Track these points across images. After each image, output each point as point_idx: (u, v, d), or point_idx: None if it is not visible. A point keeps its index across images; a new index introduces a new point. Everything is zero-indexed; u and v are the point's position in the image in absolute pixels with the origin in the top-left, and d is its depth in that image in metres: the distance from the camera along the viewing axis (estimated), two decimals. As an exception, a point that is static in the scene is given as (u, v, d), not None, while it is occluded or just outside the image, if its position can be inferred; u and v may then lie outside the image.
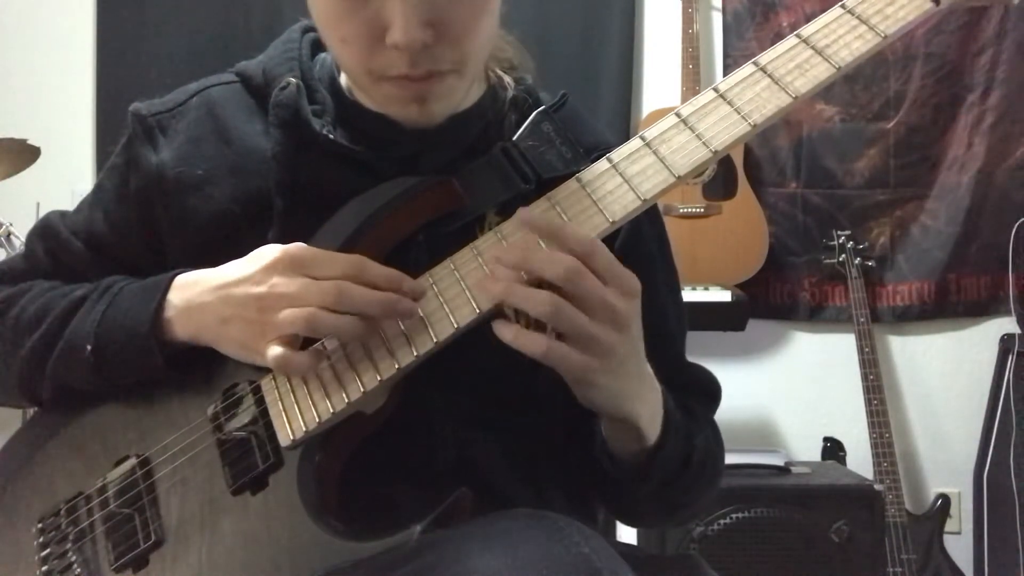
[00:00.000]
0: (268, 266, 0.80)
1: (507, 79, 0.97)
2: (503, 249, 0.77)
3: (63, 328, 0.88)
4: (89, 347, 0.85)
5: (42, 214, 1.03)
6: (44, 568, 0.83)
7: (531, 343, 0.73)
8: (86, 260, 0.96)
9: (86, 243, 0.97)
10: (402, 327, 0.78)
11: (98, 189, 0.99)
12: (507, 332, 0.74)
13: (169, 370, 0.85)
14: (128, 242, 0.96)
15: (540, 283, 0.74)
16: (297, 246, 0.80)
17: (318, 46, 0.98)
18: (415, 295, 0.78)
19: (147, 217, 0.94)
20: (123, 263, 0.95)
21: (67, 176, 2.78)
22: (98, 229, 0.97)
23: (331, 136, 0.90)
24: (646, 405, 0.82)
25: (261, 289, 0.79)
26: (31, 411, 1.01)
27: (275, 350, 0.77)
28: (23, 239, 2.16)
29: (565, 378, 0.77)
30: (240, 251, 0.83)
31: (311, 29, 0.98)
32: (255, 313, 0.79)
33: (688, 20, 2.74)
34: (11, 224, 2.26)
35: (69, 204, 1.05)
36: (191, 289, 0.84)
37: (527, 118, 0.92)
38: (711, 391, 1.01)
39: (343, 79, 0.95)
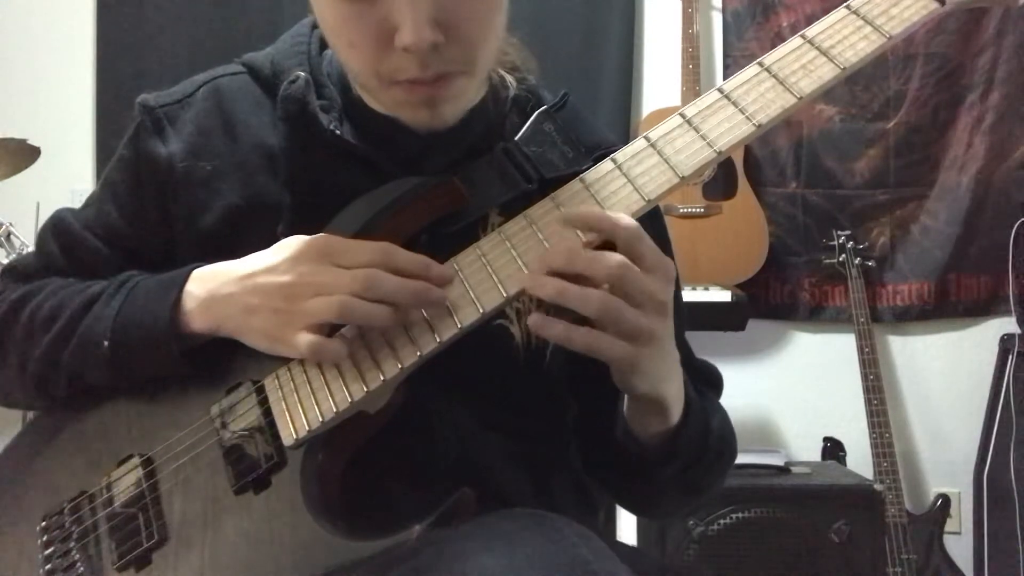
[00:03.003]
0: (294, 255, 0.80)
1: (509, 79, 0.97)
2: (546, 252, 0.77)
3: (79, 323, 0.87)
4: (106, 342, 0.84)
5: (42, 214, 1.03)
6: (47, 567, 0.83)
7: (580, 338, 0.74)
8: (102, 255, 0.95)
9: (101, 238, 0.96)
10: (405, 327, 0.78)
11: (107, 183, 0.98)
12: (556, 330, 0.74)
13: (185, 365, 0.84)
14: (145, 234, 0.95)
15: (579, 278, 0.74)
16: (323, 235, 0.80)
17: (327, 42, 0.98)
18: (443, 280, 0.78)
19: (161, 208, 0.94)
20: (139, 257, 0.95)
21: (67, 176, 2.78)
22: (113, 223, 0.96)
23: (338, 132, 0.90)
24: (675, 385, 0.83)
25: (288, 278, 0.79)
26: (32, 412, 1.00)
27: (307, 337, 0.77)
28: (23, 239, 2.17)
29: (610, 366, 0.77)
30: (248, 246, 0.83)
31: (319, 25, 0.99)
32: (282, 302, 0.78)
33: (688, 20, 2.74)
34: (11, 224, 2.25)
35: (69, 204, 1.05)
36: (213, 280, 0.84)
37: (529, 118, 0.92)
38: (714, 382, 1.03)
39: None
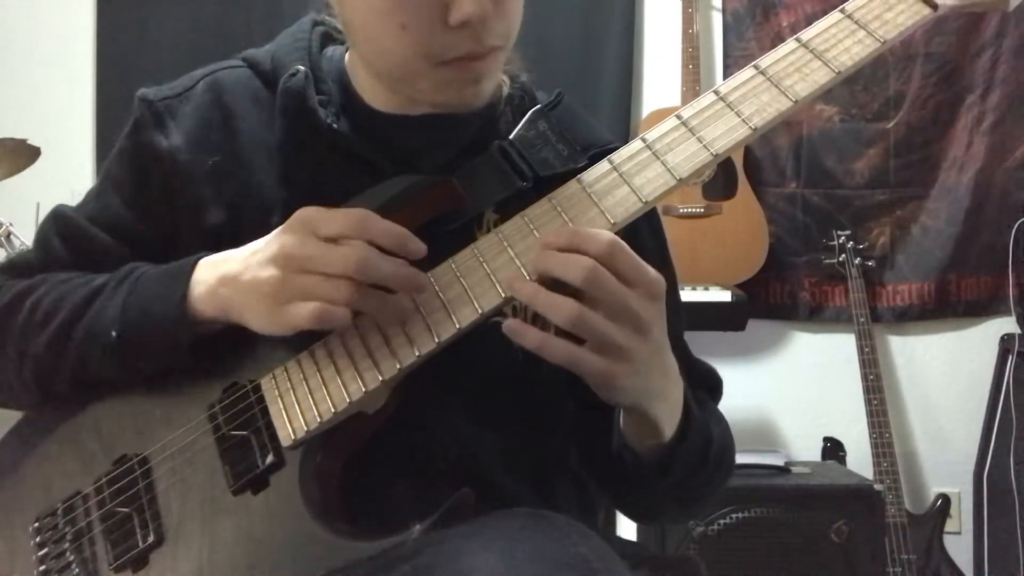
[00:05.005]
0: (279, 230, 0.79)
1: (503, 76, 0.97)
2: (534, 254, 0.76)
3: (82, 316, 0.86)
4: (114, 333, 0.84)
5: (42, 214, 1.02)
6: (42, 568, 0.83)
7: (555, 349, 0.73)
8: (108, 247, 0.94)
9: (106, 230, 0.95)
10: (403, 326, 0.79)
11: (108, 176, 0.97)
12: (531, 338, 0.74)
13: (194, 356, 0.84)
14: (151, 225, 0.94)
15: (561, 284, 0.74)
16: (305, 208, 0.79)
17: (327, 39, 0.98)
18: (419, 254, 0.77)
19: (166, 201, 0.93)
20: (145, 249, 0.94)
21: (67, 176, 2.77)
22: (119, 215, 0.95)
23: (335, 126, 0.90)
24: (667, 402, 0.82)
25: (272, 250, 0.78)
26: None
27: (309, 305, 0.75)
28: (23, 239, 2.17)
29: (586, 380, 0.76)
30: (248, 240, 0.83)
31: (320, 23, 0.99)
32: (270, 274, 0.78)
33: (688, 20, 2.74)
34: (11, 224, 2.25)
35: (69, 204, 1.04)
36: (219, 267, 0.83)
37: (522, 116, 0.93)
38: (712, 385, 1.02)
39: (347, 59, 0.96)
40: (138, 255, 0.93)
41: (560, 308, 0.72)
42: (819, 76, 0.79)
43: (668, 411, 0.83)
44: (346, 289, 0.75)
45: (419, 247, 0.77)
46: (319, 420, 0.78)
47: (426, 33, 0.81)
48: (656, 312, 0.76)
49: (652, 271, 0.75)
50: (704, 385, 1.00)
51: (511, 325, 0.74)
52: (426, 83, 0.86)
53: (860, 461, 2.54)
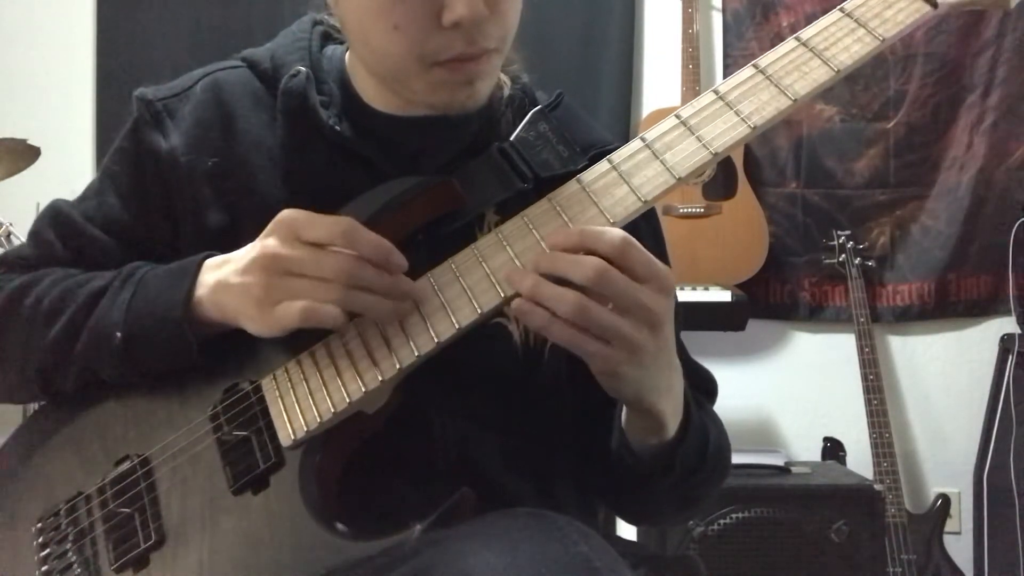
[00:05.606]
0: (263, 234, 0.80)
1: (503, 77, 0.97)
2: (536, 252, 0.77)
3: (87, 318, 0.86)
4: (119, 335, 0.84)
5: (42, 214, 1.01)
6: (44, 568, 0.83)
7: (560, 329, 0.73)
8: (104, 246, 0.95)
9: (103, 228, 0.95)
10: (402, 326, 0.79)
11: (107, 175, 0.97)
12: (537, 318, 0.74)
13: (200, 356, 0.84)
14: (149, 226, 0.95)
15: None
16: (291, 210, 0.79)
17: (327, 39, 0.98)
18: (402, 268, 0.78)
19: (165, 202, 0.93)
20: (142, 248, 0.94)
21: (67, 176, 2.75)
22: (116, 215, 0.95)
23: (337, 128, 0.90)
24: (671, 398, 0.83)
25: (256, 253, 0.79)
26: (31, 409, 1.00)
27: (298, 304, 0.76)
28: (23, 239, 2.16)
29: (591, 367, 0.77)
30: (248, 241, 0.83)
31: (320, 23, 0.98)
32: (258, 276, 0.78)
33: (688, 20, 2.74)
34: (11, 224, 2.26)
35: (69, 204, 1.04)
36: (218, 271, 0.83)
37: (522, 116, 0.93)
38: (709, 388, 1.02)
39: (347, 59, 0.95)
40: (136, 255, 0.93)
41: (563, 298, 0.73)
42: (818, 75, 0.79)
43: (673, 407, 0.83)
44: (332, 290, 0.76)
45: (401, 261, 0.78)
46: (319, 420, 0.78)
47: (419, 34, 0.81)
48: (667, 306, 0.76)
49: (663, 266, 0.76)
50: (701, 388, 1.00)
51: (518, 305, 0.74)
52: (419, 84, 0.86)
53: (860, 461, 2.54)
